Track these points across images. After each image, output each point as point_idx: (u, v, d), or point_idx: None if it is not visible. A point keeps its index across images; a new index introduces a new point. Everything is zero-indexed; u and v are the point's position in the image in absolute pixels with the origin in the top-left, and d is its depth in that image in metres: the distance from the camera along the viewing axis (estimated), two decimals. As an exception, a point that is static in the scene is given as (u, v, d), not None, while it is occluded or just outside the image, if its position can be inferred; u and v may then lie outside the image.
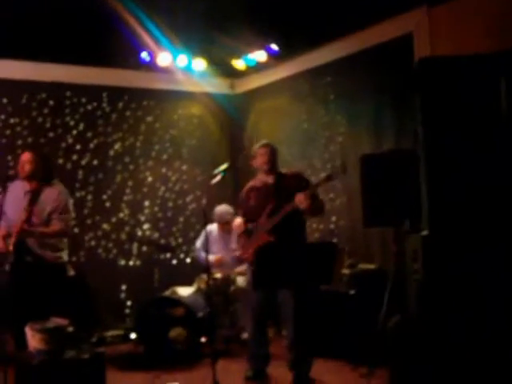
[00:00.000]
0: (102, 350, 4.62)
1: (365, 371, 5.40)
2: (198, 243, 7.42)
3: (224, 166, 5.25)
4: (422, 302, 4.53)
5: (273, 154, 5.33)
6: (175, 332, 6.28)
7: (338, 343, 6.05)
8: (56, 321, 4.56)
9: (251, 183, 5.52)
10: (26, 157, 5.61)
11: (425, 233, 4.46)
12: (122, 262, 7.90)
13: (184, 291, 6.70)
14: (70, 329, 4.36)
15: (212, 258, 7.03)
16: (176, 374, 5.86)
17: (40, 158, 5.70)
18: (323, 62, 7.18)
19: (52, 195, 5.59)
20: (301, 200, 4.93)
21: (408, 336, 4.86)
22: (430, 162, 4.32)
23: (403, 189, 5.17)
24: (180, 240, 8.34)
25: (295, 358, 5.22)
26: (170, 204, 8.32)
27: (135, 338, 6.77)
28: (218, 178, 5.18)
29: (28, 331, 4.45)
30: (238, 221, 5.51)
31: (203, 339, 6.39)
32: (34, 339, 4.36)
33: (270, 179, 5.34)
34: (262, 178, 5.41)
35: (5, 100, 7.30)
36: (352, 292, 6.11)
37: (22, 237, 5.35)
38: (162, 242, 8.05)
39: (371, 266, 6.41)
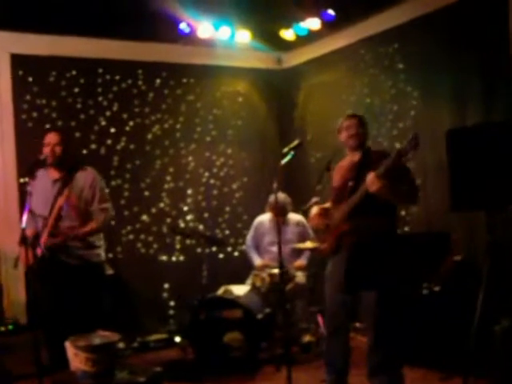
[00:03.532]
0: (159, 370, 3.79)
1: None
2: (249, 238, 6.76)
3: (294, 143, 4.42)
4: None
5: (361, 126, 4.52)
6: (231, 336, 5.61)
7: (421, 348, 5.24)
8: (103, 335, 3.73)
9: (340, 162, 4.72)
10: (54, 138, 4.87)
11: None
12: (164, 258, 7.24)
13: (239, 290, 6.01)
14: (121, 345, 3.52)
15: (258, 261, 6.49)
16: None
17: (68, 139, 5.00)
18: (389, 26, 6.34)
19: (87, 180, 4.87)
20: (371, 181, 4.11)
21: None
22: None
23: (502, 168, 4.34)
24: (227, 232, 7.63)
25: (372, 367, 4.43)
26: (215, 192, 7.63)
27: (182, 343, 6.18)
28: (289, 157, 4.36)
29: (69, 348, 3.63)
30: (314, 207, 4.70)
31: (263, 344, 5.74)
32: (77, 358, 3.54)
33: (356, 157, 4.51)
34: (349, 156, 4.60)
35: (30, 78, 6.63)
36: (436, 288, 5.28)
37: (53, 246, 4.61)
38: (208, 234, 7.24)
39: (455, 258, 5.54)
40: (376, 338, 4.43)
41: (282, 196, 6.36)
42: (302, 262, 6.40)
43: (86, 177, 4.88)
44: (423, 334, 5.26)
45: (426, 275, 3.58)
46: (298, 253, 6.45)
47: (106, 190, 5.11)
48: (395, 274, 3.41)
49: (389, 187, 4.12)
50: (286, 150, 4.41)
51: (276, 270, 6.05)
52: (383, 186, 4.09)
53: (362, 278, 3.39)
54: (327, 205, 4.72)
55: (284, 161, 4.36)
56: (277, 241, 6.30)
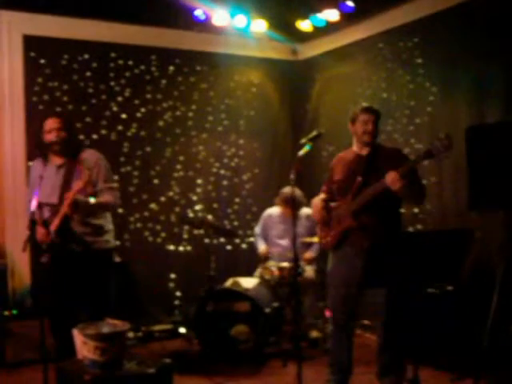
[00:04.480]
0: (168, 361, 3.69)
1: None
2: (258, 229, 6.70)
3: (313, 134, 4.29)
4: None
5: (377, 122, 4.39)
6: (238, 330, 5.56)
7: (433, 348, 5.13)
8: (112, 323, 3.63)
9: (342, 154, 4.61)
10: (56, 123, 4.64)
11: None
12: (171, 248, 7.11)
13: (247, 282, 5.89)
14: (131, 334, 3.42)
15: (262, 247, 6.48)
16: (241, 379, 5.13)
17: (70, 123, 4.81)
18: (410, 19, 6.19)
19: (90, 160, 4.65)
20: (393, 179, 4.01)
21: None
22: None
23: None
24: (236, 223, 7.51)
25: (382, 366, 4.39)
26: (225, 182, 7.48)
27: (188, 334, 6.13)
28: (307, 148, 4.23)
29: (78, 336, 3.51)
30: (316, 200, 4.59)
31: (271, 338, 5.67)
32: (85, 347, 3.42)
33: (364, 151, 4.40)
34: (355, 149, 4.47)
35: (42, 61, 6.48)
36: (449, 288, 5.17)
37: (73, 211, 4.43)
38: (216, 224, 7.13)
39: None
40: (386, 338, 4.36)
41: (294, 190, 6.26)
42: (310, 253, 6.31)
43: (89, 157, 4.68)
44: (435, 334, 5.17)
45: (450, 274, 3.46)
46: (307, 246, 6.36)
47: (115, 177, 4.95)
48: (416, 273, 3.31)
49: (407, 187, 4.05)
50: (303, 140, 4.27)
51: (285, 264, 5.97)
52: (404, 186, 4.01)
53: (380, 276, 3.29)
54: (322, 196, 4.62)
55: (301, 152, 4.23)
56: (285, 234, 6.33)
